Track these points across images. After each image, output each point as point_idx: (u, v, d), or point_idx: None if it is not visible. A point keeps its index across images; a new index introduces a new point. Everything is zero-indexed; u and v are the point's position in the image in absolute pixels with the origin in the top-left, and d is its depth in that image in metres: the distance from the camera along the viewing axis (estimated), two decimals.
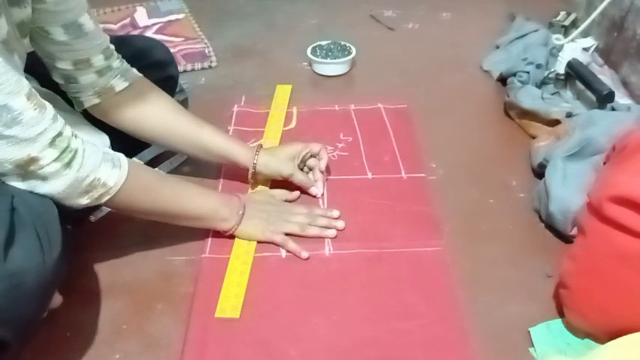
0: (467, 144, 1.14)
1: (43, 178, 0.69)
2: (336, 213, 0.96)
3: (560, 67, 1.23)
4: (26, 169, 0.68)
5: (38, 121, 0.67)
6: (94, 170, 0.73)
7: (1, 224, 0.62)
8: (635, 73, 1.23)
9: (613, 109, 1.07)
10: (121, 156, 0.78)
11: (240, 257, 0.88)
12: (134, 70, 0.94)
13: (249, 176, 0.99)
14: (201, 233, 0.92)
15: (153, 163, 1.07)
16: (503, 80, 1.30)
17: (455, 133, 1.17)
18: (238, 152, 0.97)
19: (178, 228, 0.88)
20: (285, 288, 0.85)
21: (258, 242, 0.91)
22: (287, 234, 0.91)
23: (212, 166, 1.08)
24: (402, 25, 1.60)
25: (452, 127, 1.19)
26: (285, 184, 1.00)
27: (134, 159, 0.97)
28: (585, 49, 1.27)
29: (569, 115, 1.06)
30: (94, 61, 0.87)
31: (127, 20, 1.63)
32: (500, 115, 1.22)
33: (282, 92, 1.29)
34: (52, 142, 0.69)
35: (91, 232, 0.94)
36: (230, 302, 0.82)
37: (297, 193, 1.00)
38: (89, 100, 0.90)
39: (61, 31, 0.82)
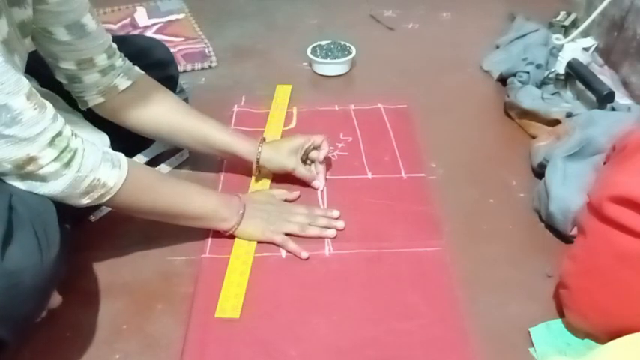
0: (467, 144, 1.14)
1: (43, 179, 0.69)
2: (336, 213, 0.96)
3: (560, 67, 1.23)
4: (25, 168, 0.68)
5: (38, 120, 0.67)
6: (93, 170, 0.73)
7: None
8: (635, 73, 1.23)
9: (613, 109, 1.07)
10: (121, 156, 0.78)
11: (240, 257, 0.88)
12: (137, 68, 0.95)
13: (253, 170, 1.00)
14: (201, 233, 0.92)
15: (153, 163, 1.07)
16: (503, 80, 1.30)
17: (455, 133, 1.17)
18: (242, 147, 0.98)
19: (178, 228, 0.88)
20: (285, 288, 0.85)
21: (258, 242, 0.91)
22: (287, 234, 0.91)
23: (212, 165, 1.08)
24: (402, 25, 1.60)
25: (452, 127, 1.19)
26: (287, 177, 1.01)
27: (134, 159, 0.97)
28: (585, 49, 1.27)
29: (569, 115, 1.06)
30: (97, 60, 0.87)
31: (127, 20, 1.63)
32: (500, 115, 1.22)
33: (282, 92, 1.29)
34: (52, 142, 0.69)
35: (91, 232, 0.94)
36: (230, 302, 0.82)
37: (297, 193, 1.00)
38: (93, 99, 0.91)
39: (63, 32, 0.82)
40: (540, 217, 0.96)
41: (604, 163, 0.79)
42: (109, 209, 0.96)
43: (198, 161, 1.10)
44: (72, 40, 0.83)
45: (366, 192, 1.02)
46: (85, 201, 0.74)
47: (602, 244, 0.70)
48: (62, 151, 0.70)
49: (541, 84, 1.23)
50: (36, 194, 0.70)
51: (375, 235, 0.93)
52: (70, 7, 0.81)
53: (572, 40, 1.27)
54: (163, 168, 1.06)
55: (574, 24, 1.40)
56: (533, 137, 1.11)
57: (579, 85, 1.19)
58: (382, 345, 0.77)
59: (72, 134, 0.72)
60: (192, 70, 1.40)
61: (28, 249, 0.64)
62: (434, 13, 1.65)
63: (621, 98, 1.17)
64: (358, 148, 1.12)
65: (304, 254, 0.89)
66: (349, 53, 1.38)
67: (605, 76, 1.23)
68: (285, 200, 0.98)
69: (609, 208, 0.67)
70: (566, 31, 1.38)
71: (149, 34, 1.54)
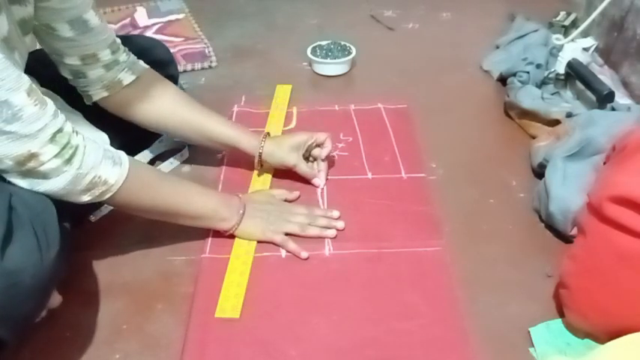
0: (467, 144, 1.14)
1: (44, 175, 0.69)
2: (336, 213, 0.96)
3: (560, 67, 1.23)
4: (26, 165, 0.68)
5: (39, 117, 0.68)
6: (94, 167, 0.73)
7: None
8: (635, 73, 1.23)
9: (613, 109, 1.07)
10: (122, 154, 0.78)
11: (240, 257, 0.88)
12: (141, 63, 0.96)
13: (255, 164, 1.01)
14: (201, 233, 0.92)
15: (153, 163, 1.07)
16: (503, 80, 1.30)
17: (455, 133, 1.17)
18: (244, 141, 0.99)
19: (178, 228, 0.88)
20: (285, 288, 0.85)
21: (258, 242, 0.91)
22: (287, 234, 0.91)
23: (212, 165, 1.09)
24: (402, 25, 1.60)
25: (452, 127, 1.19)
26: (288, 173, 1.02)
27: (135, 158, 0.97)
28: (585, 49, 1.27)
29: (569, 115, 1.06)
30: (101, 55, 0.88)
31: (127, 20, 1.63)
32: (500, 115, 1.22)
33: (282, 92, 1.29)
34: (53, 138, 0.69)
35: (91, 232, 0.94)
36: (230, 302, 0.82)
37: (297, 193, 1.00)
38: (98, 94, 0.92)
39: (67, 28, 0.83)
40: (540, 217, 0.96)
41: (604, 163, 0.79)
42: (109, 209, 0.96)
43: (198, 161, 1.10)
44: (75, 36, 0.84)
45: (366, 192, 1.02)
46: (86, 198, 0.74)
47: (602, 244, 0.70)
48: (63, 148, 0.70)
49: (541, 84, 1.23)
50: (36, 194, 0.70)
51: (375, 235, 0.93)
52: (73, 4, 0.82)
53: (572, 40, 1.27)
54: (164, 167, 1.06)
55: (574, 24, 1.40)
56: (533, 137, 1.11)
57: (579, 85, 1.19)
58: (382, 345, 0.77)
59: (73, 131, 0.72)
60: (192, 70, 1.40)
61: (27, 249, 0.64)
62: (434, 13, 1.65)
63: (621, 98, 1.17)
64: (358, 148, 1.12)
65: (304, 254, 0.89)
66: (349, 53, 1.38)
67: (605, 76, 1.23)
68: (285, 200, 0.98)
69: (609, 208, 0.67)
70: (566, 31, 1.38)
71: (149, 34, 1.54)
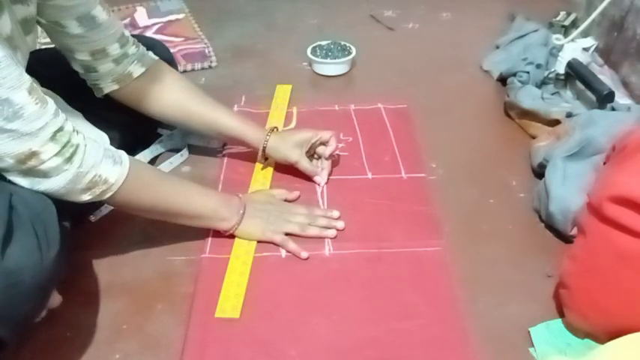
0: (467, 144, 1.14)
1: (44, 174, 0.70)
2: (336, 213, 0.96)
3: (560, 67, 1.23)
4: (27, 163, 0.68)
5: (39, 115, 0.68)
6: (95, 166, 0.73)
7: None
8: (635, 73, 1.23)
9: (613, 109, 1.07)
10: (122, 153, 0.78)
11: (240, 257, 0.88)
12: (151, 54, 0.98)
13: (259, 157, 1.02)
14: (201, 233, 0.91)
15: (153, 163, 1.07)
16: (503, 80, 1.30)
17: (455, 133, 1.17)
18: (250, 134, 1.00)
19: (178, 228, 0.88)
20: (285, 288, 0.85)
21: (258, 242, 0.91)
22: (287, 234, 0.91)
23: (212, 165, 1.09)
24: (402, 25, 1.60)
25: (452, 127, 1.19)
26: (288, 172, 1.02)
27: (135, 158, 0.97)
28: (585, 49, 1.27)
29: (569, 115, 1.06)
30: (110, 50, 0.90)
31: (127, 20, 1.63)
32: (500, 115, 1.22)
33: (282, 92, 1.29)
34: (53, 137, 0.69)
35: (91, 232, 0.94)
36: (230, 302, 0.82)
37: (297, 193, 1.00)
38: (108, 87, 0.94)
39: (75, 24, 0.85)
40: (540, 217, 0.96)
41: (604, 163, 0.79)
42: (109, 209, 0.96)
43: (198, 161, 1.10)
44: (84, 33, 0.86)
45: (366, 192, 1.02)
46: (86, 197, 0.74)
47: (602, 244, 0.70)
48: (64, 146, 0.70)
49: (541, 84, 1.23)
50: (36, 193, 0.70)
51: (375, 235, 0.93)
52: (81, 1, 0.83)
53: (572, 40, 1.27)
54: (164, 167, 1.06)
55: (574, 24, 1.40)
56: (533, 137, 1.11)
57: (579, 85, 1.19)
58: (382, 345, 0.77)
59: (73, 130, 0.72)
60: (192, 70, 1.40)
61: (27, 248, 0.64)
62: (434, 13, 1.65)
63: (621, 98, 1.17)
64: (358, 148, 1.12)
65: (304, 254, 0.89)
66: (349, 53, 1.38)
67: (605, 76, 1.23)
68: (285, 200, 0.98)
69: (609, 208, 0.67)
70: (566, 31, 1.38)
71: (149, 34, 1.54)
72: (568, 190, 0.90)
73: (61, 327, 0.80)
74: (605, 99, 1.10)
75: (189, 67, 1.40)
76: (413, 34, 1.57)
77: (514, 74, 1.25)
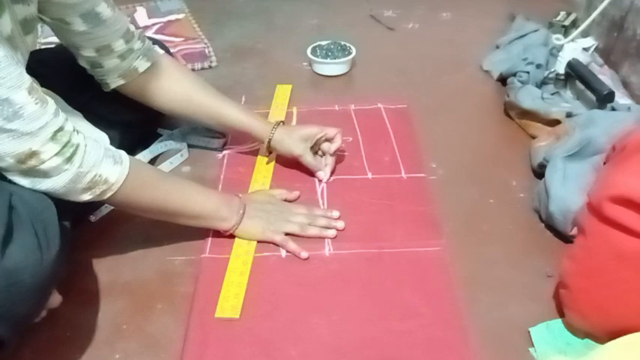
0: (467, 144, 1.14)
1: (45, 174, 0.70)
2: (336, 213, 0.96)
3: (560, 67, 1.23)
4: (27, 163, 0.68)
5: (39, 115, 0.68)
6: (95, 166, 0.73)
7: None
8: (635, 73, 1.23)
9: (613, 109, 1.07)
10: (123, 153, 0.78)
11: (240, 257, 0.88)
12: (156, 48, 0.99)
13: (263, 150, 1.04)
14: (201, 233, 0.91)
15: (153, 163, 1.07)
16: (503, 80, 1.30)
17: (455, 133, 1.17)
18: (256, 126, 1.02)
19: (178, 228, 0.88)
20: (285, 288, 0.85)
21: (258, 242, 0.91)
22: (287, 234, 0.91)
23: (212, 165, 1.09)
24: (402, 25, 1.60)
25: (452, 127, 1.19)
26: (288, 172, 1.03)
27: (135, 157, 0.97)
28: (585, 49, 1.27)
29: (569, 115, 1.06)
30: (115, 46, 0.91)
31: (127, 20, 1.62)
32: (500, 115, 1.22)
33: (282, 92, 1.29)
34: (54, 137, 0.69)
35: (91, 232, 0.94)
36: (230, 302, 0.82)
37: (297, 193, 1.00)
38: (115, 82, 0.96)
39: (79, 21, 0.86)
40: (540, 217, 0.96)
41: (604, 163, 0.79)
42: (109, 209, 0.96)
43: (198, 161, 1.10)
44: (89, 29, 0.87)
45: (366, 192, 1.02)
46: (87, 197, 0.74)
47: (602, 244, 0.70)
48: (64, 146, 0.70)
49: (541, 84, 1.23)
50: (36, 193, 0.70)
51: (375, 235, 0.93)
52: None
53: (572, 40, 1.27)
54: (163, 167, 1.06)
55: (574, 24, 1.40)
56: (533, 137, 1.11)
57: (579, 85, 1.19)
58: (382, 345, 0.77)
59: (73, 129, 0.72)
60: (192, 70, 1.39)
61: (28, 248, 0.65)
62: (434, 13, 1.65)
63: (621, 98, 1.17)
64: (358, 148, 1.12)
65: (304, 254, 0.89)
66: (349, 53, 1.38)
67: (605, 76, 1.23)
68: (285, 200, 0.98)
69: (609, 208, 0.67)
70: (566, 31, 1.38)
71: (149, 34, 1.54)
72: (568, 190, 0.90)
73: (61, 327, 0.80)
74: (605, 99, 1.10)
75: (189, 67, 1.40)
76: (413, 34, 1.57)
77: (514, 74, 1.25)
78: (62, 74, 0.93)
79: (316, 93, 1.33)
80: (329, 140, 1.04)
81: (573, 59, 1.21)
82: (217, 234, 0.91)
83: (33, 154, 0.68)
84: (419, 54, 1.45)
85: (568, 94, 1.22)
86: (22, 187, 0.70)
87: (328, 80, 1.36)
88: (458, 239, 0.92)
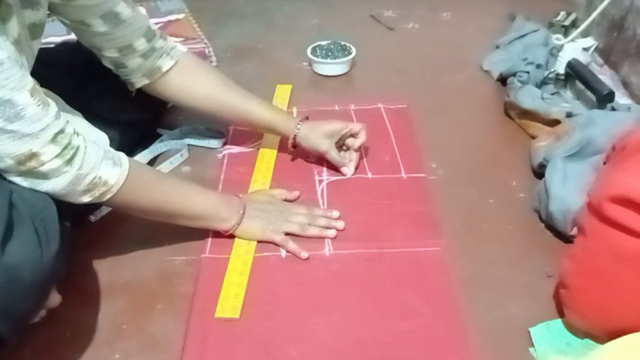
0: (467, 144, 1.14)
1: (44, 176, 0.70)
2: (336, 213, 0.96)
3: (560, 67, 1.23)
4: (26, 164, 0.68)
5: (41, 117, 0.68)
6: (95, 168, 0.73)
7: None
8: (635, 73, 1.23)
9: (613, 109, 1.07)
10: (122, 154, 0.78)
11: (240, 257, 0.88)
12: (179, 47, 0.99)
13: (289, 145, 1.04)
14: (201, 233, 0.91)
15: (153, 163, 1.07)
16: (503, 80, 1.30)
17: (455, 133, 1.17)
18: (281, 123, 1.03)
19: (178, 228, 0.88)
20: (285, 288, 0.85)
21: (258, 242, 0.91)
22: (287, 234, 0.91)
23: (212, 165, 1.08)
24: (402, 25, 1.60)
25: (452, 127, 1.19)
26: (288, 172, 1.04)
27: (134, 158, 0.97)
28: (585, 49, 1.27)
29: (569, 115, 1.06)
30: (137, 45, 0.92)
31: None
32: (500, 115, 1.22)
33: (282, 92, 1.29)
34: (54, 139, 0.69)
35: (91, 232, 0.94)
36: (230, 302, 0.82)
37: (297, 193, 1.00)
38: (139, 82, 0.97)
39: (99, 22, 0.86)
40: (540, 217, 0.96)
41: (604, 163, 0.79)
42: (109, 209, 0.96)
43: (198, 161, 1.10)
44: (109, 30, 0.88)
45: (366, 192, 1.02)
46: (86, 199, 0.74)
47: (602, 244, 0.70)
48: (64, 148, 0.70)
49: (541, 84, 1.23)
50: (36, 191, 0.70)
51: (375, 235, 0.93)
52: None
53: (572, 40, 1.27)
54: (163, 167, 1.06)
55: (574, 24, 1.40)
56: (533, 137, 1.11)
57: (579, 85, 1.19)
58: (382, 345, 0.77)
59: (74, 132, 0.72)
60: None
61: (28, 245, 0.65)
62: (434, 13, 1.65)
63: (621, 98, 1.17)
64: (358, 148, 1.12)
65: (304, 254, 0.89)
66: (349, 53, 1.38)
67: (605, 76, 1.23)
68: (285, 200, 0.98)
69: (609, 208, 0.67)
70: (566, 31, 1.38)
71: None
72: (568, 190, 0.90)
73: (61, 327, 0.80)
74: (605, 99, 1.10)
75: None
76: (413, 34, 1.57)
77: (514, 74, 1.25)
78: (62, 74, 0.93)
79: (316, 93, 1.33)
80: (353, 135, 1.04)
81: (573, 59, 1.21)
82: (217, 234, 0.91)
83: (33, 155, 0.68)
84: (419, 54, 1.45)
85: (568, 94, 1.22)
86: (25, 185, 0.70)
87: (328, 80, 1.36)
88: (458, 239, 0.92)
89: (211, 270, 0.87)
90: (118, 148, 0.80)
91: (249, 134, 1.15)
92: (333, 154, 1.03)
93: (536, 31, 1.38)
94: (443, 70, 1.38)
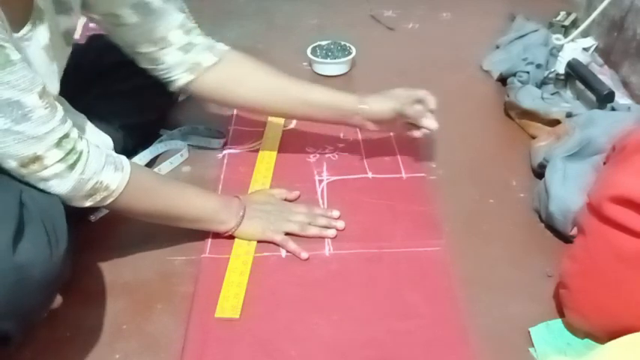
0: (467, 144, 1.14)
1: (46, 180, 0.70)
2: (336, 213, 0.96)
3: (560, 67, 1.23)
4: (29, 167, 0.68)
5: (47, 120, 0.68)
6: (97, 173, 0.73)
7: (10, 218, 0.63)
8: (635, 73, 1.23)
9: (613, 109, 1.07)
10: (124, 159, 0.78)
11: (240, 257, 0.88)
12: (221, 45, 0.97)
13: (361, 120, 0.99)
14: (201, 233, 0.91)
15: (152, 163, 1.07)
16: (503, 80, 1.30)
17: (455, 133, 1.17)
18: (344, 99, 0.98)
19: (178, 228, 0.88)
20: (285, 288, 0.85)
21: (258, 242, 0.91)
22: (287, 233, 0.91)
23: (212, 165, 1.08)
24: (402, 25, 1.59)
25: (452, 127, 1.18)
26: (288, 172, 1.02)
27: (134, 160, 0.97)
28: (585, 49, 1.27)
29: (569, 115, 1.06)
30: (172, 37, 0.90)
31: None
32: (500, 115, 1.22)
33: None
34: (59, 143, 0.69)
35: (91, 232, 0.94)
36: (230, 302, 0.82)
37: (297, 192, 1.00)
38: (182, 78, 0.93)
39: (129, 12, 0.85)
40: (540, 217, 0.96)
41: (604, 163, 0.79)
42: None
43: (198, 161, 1.10)
44: (140, 20, 0.86)
45: (366, 192, 1.02)
46: (88, 203, 0.75)
47: (602, 244, 0.70)
48: (68, 153, 0.70)
49: (541, 84, 1.23)
50: (44, 191, 0.71)
51: (375, 235, 0.93)
52: None
53: (572, 40, 1.27)
54: (163, 168, 1.06)
55: (574, 24, 1.40)
56: (533, 137, 1.11)
57: (579, 85, 1.19)
58: (382, 345, 0.77)
59: (78, 136, 0.73)
60: None
61: (38, 244, 0.65)
62: (434, 13, 1.65)
63: (621, 98, 1.17)
64: (358, 148, 1.12)
65: (304, 255, 0.89)
66: (349, 53, 1.38)
67: (605, 76, 1.23)
68: (285, 200, 0.98)
69: (609, 208, 0.67)
70: (566, 31, 1.38)
71: None
72: (568, 190, 0.90)
73: (62, 327, 0.80)
74: (605, 99, 1.10)
75: None
76: (413, 34, 1.57)
77: (514, 74, 1.25)
78: (66, 76, 0.92)
79: None
80: (419, 101, 1.00)
81: (573, 59, 1.21)
82: (217, 234, 0.91)
83: (37, 158, 0.68)
84: (419, 54, 1.45)
85: (568, 94, 1.22)
86: (31, 185, 0.70)
87: (328, 80, 1.36)
88: (458, 239, 0.92)
89: (211, 270, 0.87)
90: (122, 151, 0.80)
91: (249, 134, 1.15)
92: (409, 110, 0.98)
93: (536, 31, 1.38)
94: (443, 70, 1.38)
